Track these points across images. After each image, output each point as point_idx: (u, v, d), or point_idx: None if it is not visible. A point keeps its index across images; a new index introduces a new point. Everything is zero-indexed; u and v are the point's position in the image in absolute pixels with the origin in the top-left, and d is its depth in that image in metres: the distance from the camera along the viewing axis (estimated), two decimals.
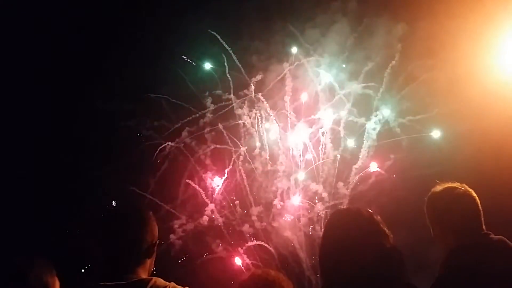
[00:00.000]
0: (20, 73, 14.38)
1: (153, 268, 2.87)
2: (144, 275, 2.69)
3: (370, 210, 2.80)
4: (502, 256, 2.98)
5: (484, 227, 3.22)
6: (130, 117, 16.33)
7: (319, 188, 16.60)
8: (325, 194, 16.45)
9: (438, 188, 3.34)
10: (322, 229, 2.89)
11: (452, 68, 12.43)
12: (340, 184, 16.49)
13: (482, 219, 3.24)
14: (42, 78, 14.70)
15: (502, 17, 10.86)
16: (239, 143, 16.99)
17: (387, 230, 2.70)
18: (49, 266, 3.08)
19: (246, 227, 16.72)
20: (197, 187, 16.83)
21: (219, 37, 16.03)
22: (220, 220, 16.75)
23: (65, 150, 15.12)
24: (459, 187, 3.30)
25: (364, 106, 15.87)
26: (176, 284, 2.71)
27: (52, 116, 15.10)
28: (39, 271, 3.02)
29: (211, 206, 16.73)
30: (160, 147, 16.66)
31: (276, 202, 16.75)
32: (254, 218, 16.72)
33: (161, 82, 16.49)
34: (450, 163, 12.30)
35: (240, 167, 17.02)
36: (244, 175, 17.01)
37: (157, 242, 2.82)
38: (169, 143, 16.71)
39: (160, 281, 2.65)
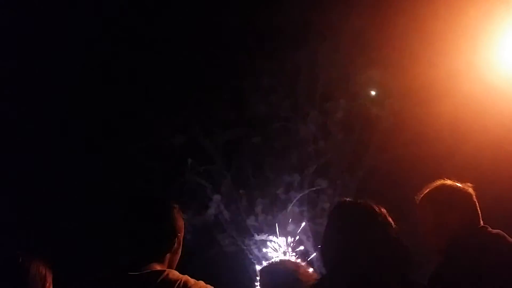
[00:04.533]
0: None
1: None
2: (159, 267, 2.65)
3: (373, 203, 2.77)
4: (501, 249, 3.04)
5: (481, 221, 3.28)
6: (142, 110, 16.27)
7: (326, 181, 16.53)
8: (330, 191, 16.38)
9: (434, 184, 3.39)
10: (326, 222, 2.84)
11: (451, 63, 12.42)
12: (348, 177, 16.43)
13: (480, 213, 3.29)
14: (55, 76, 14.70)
15: (502, 12, 10.83)
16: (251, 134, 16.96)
17: (392, 223, 2.69)
18: (46, 260, 3.15)
19: (252, 220, 16.69)
20: (203, 181, 16.87)
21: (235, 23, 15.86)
22: (226, 213, 16.73)
23: (72, 146, 15.08)
24: (456, 182, 3.36)
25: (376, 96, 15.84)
26: (190, 277, 2.67)
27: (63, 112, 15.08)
28: (38, 265, 3.10)
29: (217, 198, 16.72)
30: (169, 141, 16.61)
31: (281, 195, 16.70)
32: (258, 211, 16.70)
33: (172, 72, 16.16)
34: (450, 158, 12.34)
35: (246, 160, 16.99)
36: (249, 168, 16.98)
37: (179, 235, 2.77)
38: (180, 136, 16.66)
39: (173, 273, 2.63)
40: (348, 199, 2.98)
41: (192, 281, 2.64)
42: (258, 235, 16.68)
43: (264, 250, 16.59)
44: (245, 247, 16.71)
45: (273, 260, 3.33)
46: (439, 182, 3.39)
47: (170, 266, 2.75)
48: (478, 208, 3.30)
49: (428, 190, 3.38)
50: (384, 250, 2.55)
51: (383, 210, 2.75)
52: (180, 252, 2.84)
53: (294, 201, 16.68)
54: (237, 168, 17.09)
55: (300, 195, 16.73)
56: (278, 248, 16.39)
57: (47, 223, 14.03)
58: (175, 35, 15.51)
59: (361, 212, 2.71)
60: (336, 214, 2.79)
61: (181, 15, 15.40)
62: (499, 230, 3.20)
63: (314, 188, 16.73)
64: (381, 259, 2.53)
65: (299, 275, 3.18)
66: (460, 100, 12.44)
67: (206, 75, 16.30)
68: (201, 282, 2.68)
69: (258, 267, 15.28)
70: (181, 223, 2.84)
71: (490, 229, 3.22)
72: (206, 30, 15.72)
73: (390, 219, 2.70)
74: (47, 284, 3.10)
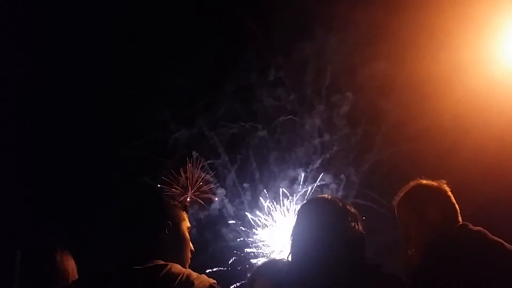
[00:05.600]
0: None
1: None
2: (162, 261, 2.66)
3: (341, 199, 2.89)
4: (482, 248, 3.05)
5: (460, 218, 3.30)
6: (145, 103, 16.21)
7: (330, 177, 16.50)
8: (333, 186, 16.34)
9: (410, 185, 3.40)
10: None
11: (455, 57, 12.42)
12: (352, 171, 16.40)
13: (458, 209, 3.31)
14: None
15: (506, 7, 10.81)
16: (258, 127, 17.00)
17: (353, 214, 2.80)
18: (69, 252, 3.23)
19: (255, 214, 16.71)
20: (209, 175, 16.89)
21: (244, 16, 15.84)
22: (230, 207, 16.75)
23: (74, 138, 15.15)
24: (432, 182, 3.37)
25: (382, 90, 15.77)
26: (192, 271, 2.67)
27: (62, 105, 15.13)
28: (67, 258, 3.18)
29: (222, 192, 16.75)
30: (174, 135, 16.65)
31: (286, 189, 16.68)
32: (262, 205, 16.70)
33: (179, 66, 16.17)
34: (454, 152, 12.35)
35: (251, 155, 17.00)
36: (254, 162, 16.99)
37: (168, 222, 2.78)
38: (184, 130, 16.69)
39: (176, 267, 2.64)
40: (316, 196, 3.20)
41: (194, 274, 2.64)
42: (262, 229, 16.71)
43: (266, 244, 16.63)
44: (249, 241, 16.74)
45: (263, 261, 3.39)
46: (414, 182, 3.39)
47: (180, 261, 2.75)
48: (456, 204, 3.31)
49: (405, 191, 3.37)
50: (340, 239, 2.69)
51: (346, 203, 2.88)
52: (185, 244, 2.85)
53: (298, 195, 16.69)
54: (242, 161, 17.09)
55: (304, 189, 16.74)
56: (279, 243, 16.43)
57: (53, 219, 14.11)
58: (180, 29, 15.49)
59: (321, 206, 2.87)
60: (300, 210, 2.93)
61: (187, 8, 15.37)
62: (480, 228, 3.18)
63: (318, 183, 16.73)
64: (337, 247, 2.68)
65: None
66: (464, 94, 12.45)
67: (211, 68, 16.23)
68: (204, 276, 2.69)
69: (259, 261, 15.35)
70: (174, 213, 2.85)
71: (471, 226, 3.20)
72: (212, 23, 15.70)
73: (351, 211, 2.82)
74: (74, 276, 3.19)
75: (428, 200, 3.28)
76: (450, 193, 3.31)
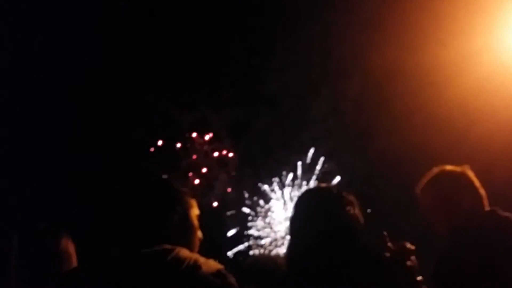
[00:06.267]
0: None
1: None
2: (169, 246, 2.64)
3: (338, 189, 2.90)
4: (509, 233, 3.06)
5: (486, 202, 3.31)
6: (148, 91, 16.05)
7: (335, 164, 16.57)
8: (338, 173, 16.39)
9: (435, 171, 3.42)
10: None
11: (465, 44, 12.39)
12: (357, 158, 16.42)
13: (483, 195, 3.32)
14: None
15: None
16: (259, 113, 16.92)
17: (349, 204, 2.79)
18: (69, 235, 3.21)
19: (257, 203, 16.79)
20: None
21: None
22: (232, 193, 16.82)
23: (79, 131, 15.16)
24: (456, 167, 3.40)
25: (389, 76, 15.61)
26: (200, 256, 2.70)
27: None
28: (67, 242, 3.16)
29: (224, 178, 16.81)
30: (177, 120, 16.66)
31: (290, 176, 16.76)
32: (265, 192, 16.78)
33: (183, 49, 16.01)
34: (461, 141, 12.34)
35: (255, 140, 17.03)
36: (258, 148, 17.01)
37: (177, 208, 2.77)
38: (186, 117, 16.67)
39: (184, 251, 2.64)
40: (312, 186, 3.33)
41: (202, 259, 2.64)
42: (264, 217, 16.79)
43: (268, 234, 16.73)
44: (250, 229, 16.83)
45: (250, 261, 3.45)
46: (439, 168, 3.42)
47: (187, 247, 2.72)
48: (482, 190, 3.33)
49: (430, 177, 3.40)
50: (336, 225, 2.75)
51: (343, 190, 2.91)
52: (193, 231, 2.85)
53: (302, 182, 16.75)
54: (246, 147, 17.11)
55: (308, 176, 16.78)
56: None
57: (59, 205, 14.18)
58: (184, 11, 15.44)
59: (316, 196, 2.96)
60: (296, 202, 2.98)
61: None
62: (509, 214, 3.20)
63: (323, 170, 16.78)
64: (333, 234, 2.72)
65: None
66: (473, 82, 12.42)
67: (216, 51, 16.13)
68: (212, 261, 2.69)
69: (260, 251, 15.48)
70: (183, 199, 2.84)
71: (500, 212, 3.23)
72: (216, 5, 15.64)
73: (348, 198, 2.84)
74: (73, 260, 3.17)
75: (453, 185, 3.29)
76: (474, 178, 3.32)
